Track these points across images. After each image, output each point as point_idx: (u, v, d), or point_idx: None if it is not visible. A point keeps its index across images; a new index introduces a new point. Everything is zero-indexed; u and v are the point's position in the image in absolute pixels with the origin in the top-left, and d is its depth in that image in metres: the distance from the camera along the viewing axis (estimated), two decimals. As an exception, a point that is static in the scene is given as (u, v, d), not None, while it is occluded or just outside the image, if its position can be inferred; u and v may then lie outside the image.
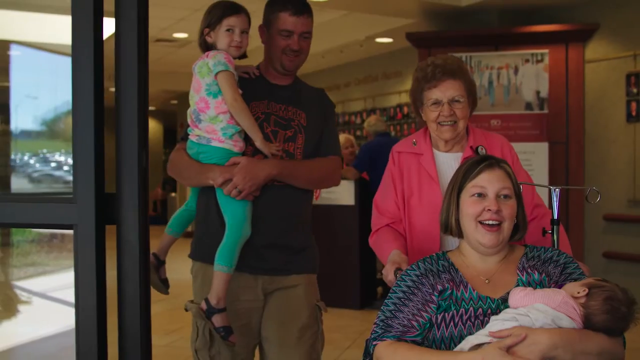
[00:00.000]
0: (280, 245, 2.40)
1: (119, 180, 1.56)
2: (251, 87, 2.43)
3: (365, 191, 5.93)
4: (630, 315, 1.71)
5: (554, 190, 2.13)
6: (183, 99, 12.60)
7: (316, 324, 2.41)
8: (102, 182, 1.54)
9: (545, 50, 5.89)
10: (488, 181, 1.89)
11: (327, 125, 2.50)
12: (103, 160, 1.55)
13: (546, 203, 2.30)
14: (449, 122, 2.22)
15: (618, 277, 5.55)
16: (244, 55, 2.43)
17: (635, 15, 5.59)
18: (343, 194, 5.95)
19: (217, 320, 2.31)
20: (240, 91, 2.33)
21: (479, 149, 2.25)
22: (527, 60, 5.93)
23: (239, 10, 2.35)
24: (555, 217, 2.12)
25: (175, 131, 14.35)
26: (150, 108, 14.74)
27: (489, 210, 1.86)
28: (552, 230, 2.13)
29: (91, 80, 1.53)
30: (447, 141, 2.26)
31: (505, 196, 1.88)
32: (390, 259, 2.13)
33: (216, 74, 2.29)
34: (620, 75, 5.70)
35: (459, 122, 2.22)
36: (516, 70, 5.93)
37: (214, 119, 2.33)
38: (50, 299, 6.14)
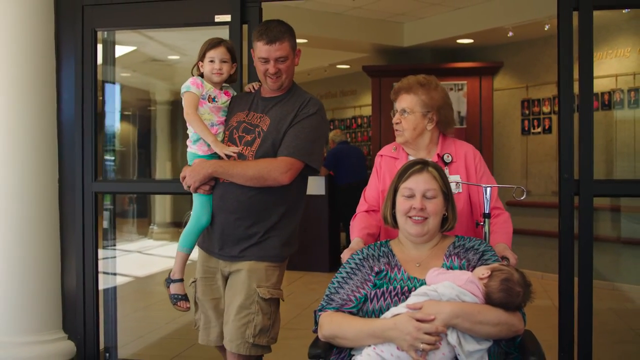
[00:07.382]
0: (230, 234, 2.39)
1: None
2: (245, 100, 2.47)
3: (332, 184, 6.68)
4: (526, 294, 1.80)
5: (486, 188, 2.15)
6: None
7: (253, 306, 2.31)
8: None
9: (465, 81, 6.62)
10: (415, 183, 1.95)
11: (293, 129, 2.34)
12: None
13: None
14: (400, 129, 2.28)
15: (514, 246, 6.53)
16: (232, 80, 2.46)
17: (528, 58, 6.44)
18: (316, 186, 6.49)
19: (172, 288, 2.44)
20: (209, 104, 2.37)
21: (445, 156, 2.27)
22: (451, 89, 6.57)
23: (218, 44, 2.37)
24: (487, 211, 2.14)
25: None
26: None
27: (414, 208, 1.93)
28: (484, 222, 2.15)
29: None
30: (404, 145, 2.31)
31: (430, 196, 1.94)
32: (351, 245, 2.18)
33: (182, 95, 2.37)
34: (517, 101, 6.55)
35: (405, 132, 2.26)
36: (443, 96, 6.77)
37: (189, 131, 2.40)
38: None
